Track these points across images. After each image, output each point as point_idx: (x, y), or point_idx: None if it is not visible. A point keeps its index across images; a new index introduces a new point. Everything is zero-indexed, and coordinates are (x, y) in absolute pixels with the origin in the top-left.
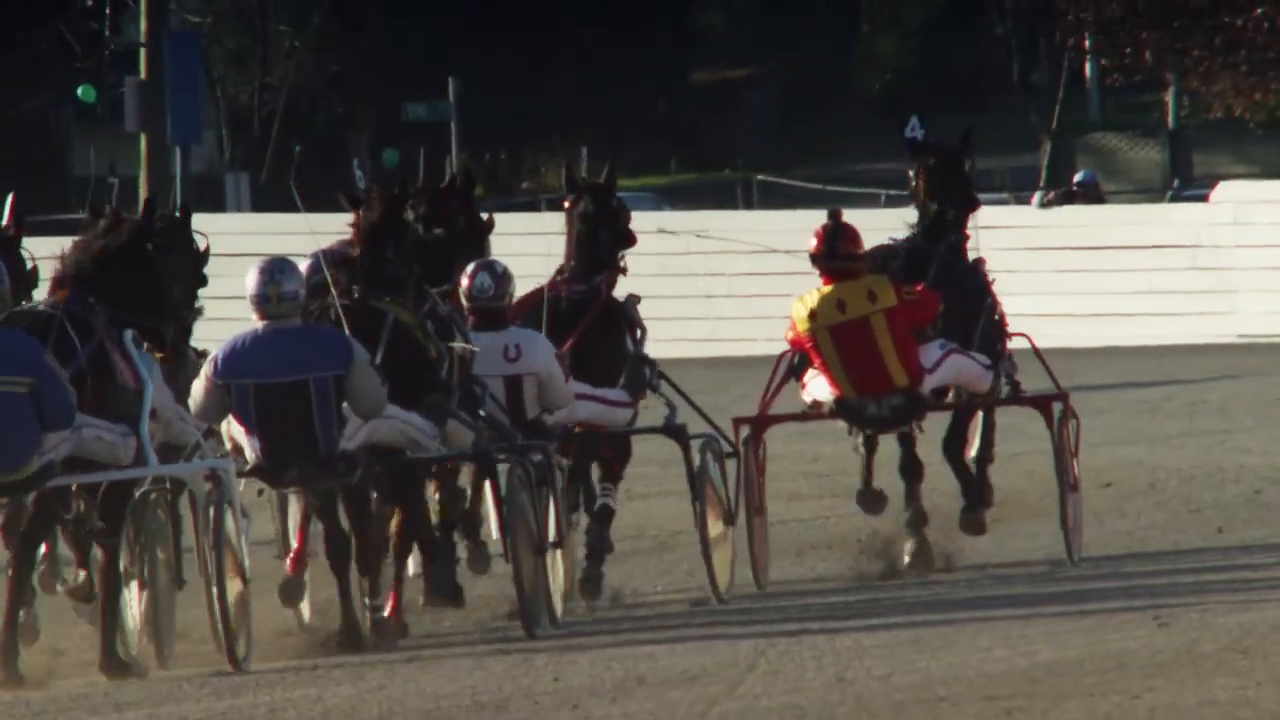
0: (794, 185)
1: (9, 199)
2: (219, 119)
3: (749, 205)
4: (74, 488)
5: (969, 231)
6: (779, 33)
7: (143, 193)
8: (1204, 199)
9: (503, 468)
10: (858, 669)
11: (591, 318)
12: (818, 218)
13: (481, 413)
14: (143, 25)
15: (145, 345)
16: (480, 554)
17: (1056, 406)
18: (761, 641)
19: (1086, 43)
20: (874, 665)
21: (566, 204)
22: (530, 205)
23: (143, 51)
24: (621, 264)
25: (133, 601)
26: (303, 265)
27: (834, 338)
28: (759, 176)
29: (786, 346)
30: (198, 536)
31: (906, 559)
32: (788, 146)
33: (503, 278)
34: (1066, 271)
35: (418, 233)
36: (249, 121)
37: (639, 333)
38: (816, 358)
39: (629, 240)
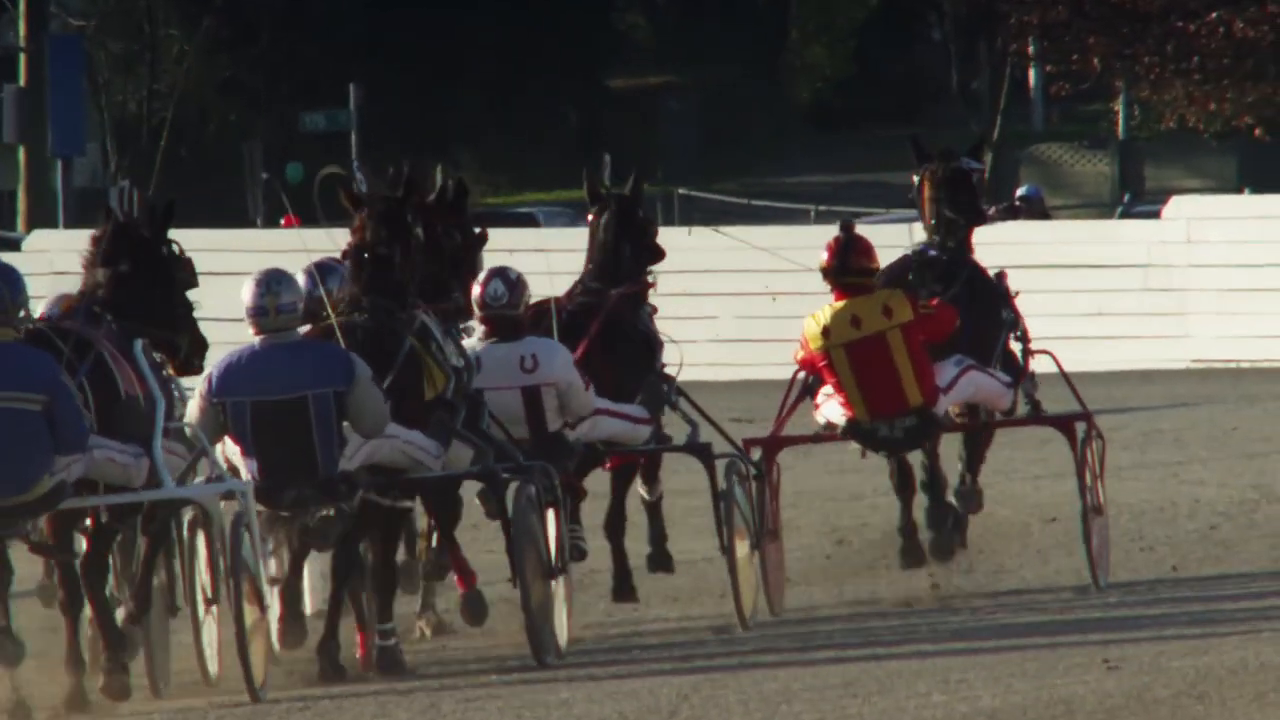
0: (718, 200)
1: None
2: (104, 129)
3: (669, 221)
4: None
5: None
6: (703, 37)
7: (21, 209)
8: (1156, 215)
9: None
10: (785, 715)
11: (596, 330)
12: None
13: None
14: (21, 29)
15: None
16: (409, 570)
17: (1080, 426)
18: (686, 684)
19: (1030, 48)
20: (803, 711)
21: (590, 215)
22: None
23: (22, 57)
24: (649, 279)
25: (209, 623)
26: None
27: (849, 355)
28: (681, 190)
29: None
30: (210, 561)
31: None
32: (711, 158)
33: (517, 285)
34: None
35: (419, 239)
36: (136, 131)
37: (657, 347)
38: (830, 377)
39: (657, 254)
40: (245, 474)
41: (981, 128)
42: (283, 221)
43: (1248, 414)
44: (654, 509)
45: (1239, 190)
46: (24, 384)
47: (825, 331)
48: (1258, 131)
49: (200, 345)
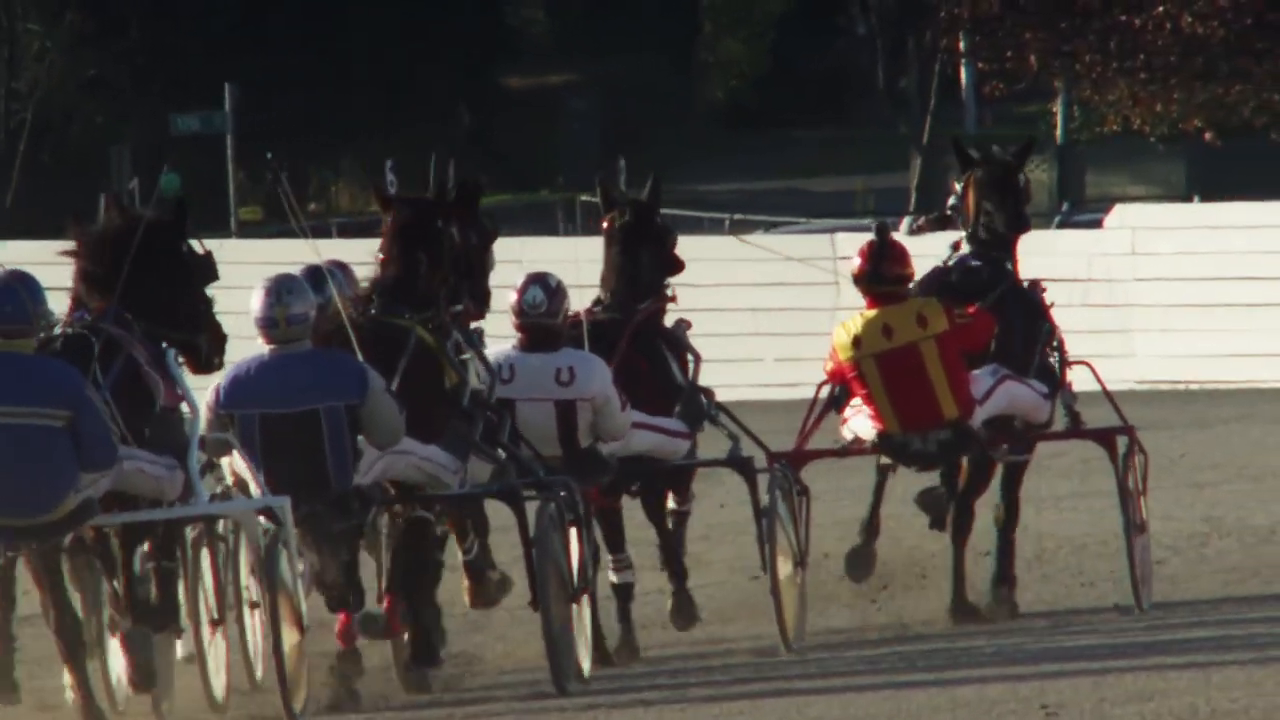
0: None
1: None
2: None
3: (570, 230)
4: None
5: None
6: (607, 31)
7: None
8: (1097, 225)
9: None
10: None
11: (626, 345)
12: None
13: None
14: None
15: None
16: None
17: (1121, 440)
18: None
19: (961, 44)
20: None
21: (604, 223)
22: (320, 230)
23: None
24: (669, 292)
25: (253, 629)
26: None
27: (880, 366)
28: (583, 197)
29: (823, 377)
30: (235, 578)
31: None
32: (617, 163)
33: (556, 292)
34: None
35: (454, 241)
36: None
37: (692, 360)
38: (860, 388)
39: (676, 266)
40: (254, 489)
41: (910, 129)
42: None
43: (1197, 439)
44: (680, 519)
45: (1187, 198)
46: (46, 399)
47: (856, 341)
48: (1207, 135)
49: (220, 342)
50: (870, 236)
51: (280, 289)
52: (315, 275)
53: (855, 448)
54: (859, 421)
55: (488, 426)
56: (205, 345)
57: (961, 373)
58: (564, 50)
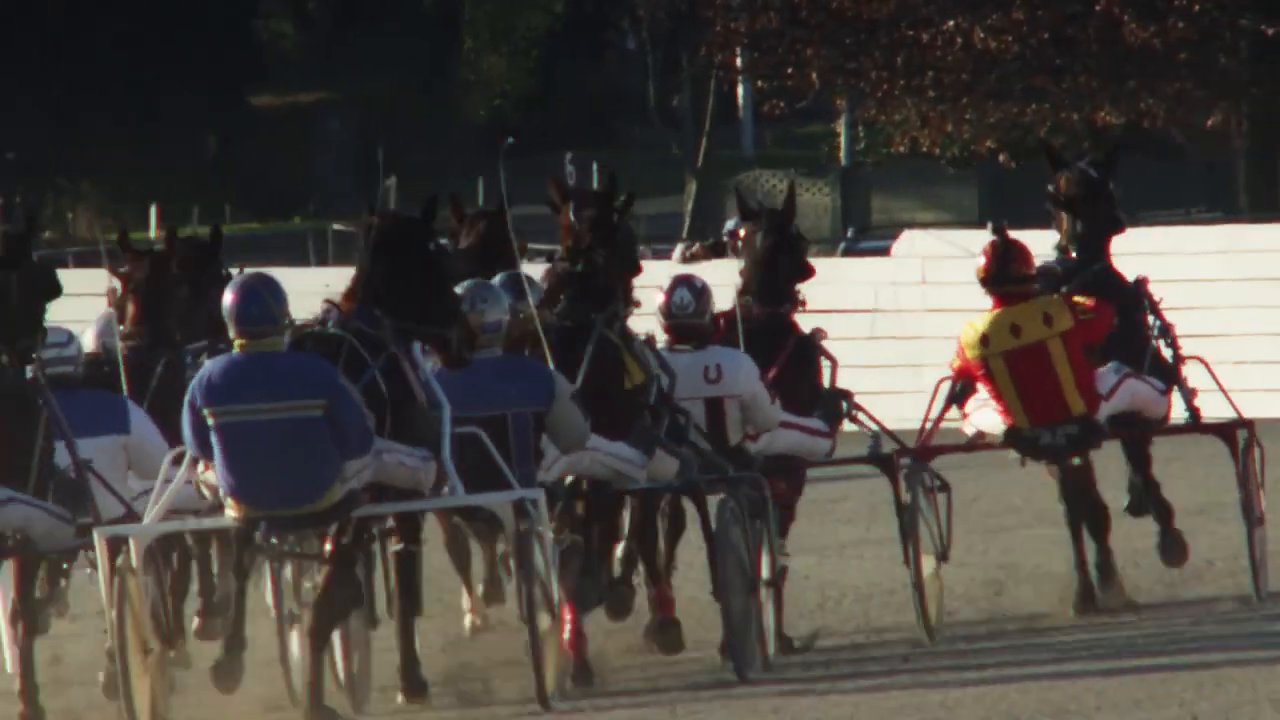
0: None
1: (154, 210)
2: None
3: (323, 261)
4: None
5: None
6: (361, 48)
7: None
8: (885, 252)
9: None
10: None
11: (787, 351)
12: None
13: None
14: None
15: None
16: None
17: (1241, 434)
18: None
19: (738, 60)
20: None
21: (742, 233)
22: (56, 260)
23: None
24: (800, 297)
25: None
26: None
27: (1009, 364)
28: (335, 226)
29: (948, 373)
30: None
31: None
32: (372, 188)
33: (702, 293)
34: None
35: (630, 237)
36: None
37: (831, 365)
38: (989, 385)
39: (808, 272)
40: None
41: (683, 151)
42: None
43: (992, 481)
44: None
45: (980, 224)
46: (302, 391)
47: (984, 339)
48: (1002, 157)
49: (470, 337)
50: (992, 238)
51: (475, 297)
52: (515, 282)
53: (980, 442)
54: (983, 416)
55: (673, 423)
56: (455, 339)
57: (1086, 368)
58: (316, 67)
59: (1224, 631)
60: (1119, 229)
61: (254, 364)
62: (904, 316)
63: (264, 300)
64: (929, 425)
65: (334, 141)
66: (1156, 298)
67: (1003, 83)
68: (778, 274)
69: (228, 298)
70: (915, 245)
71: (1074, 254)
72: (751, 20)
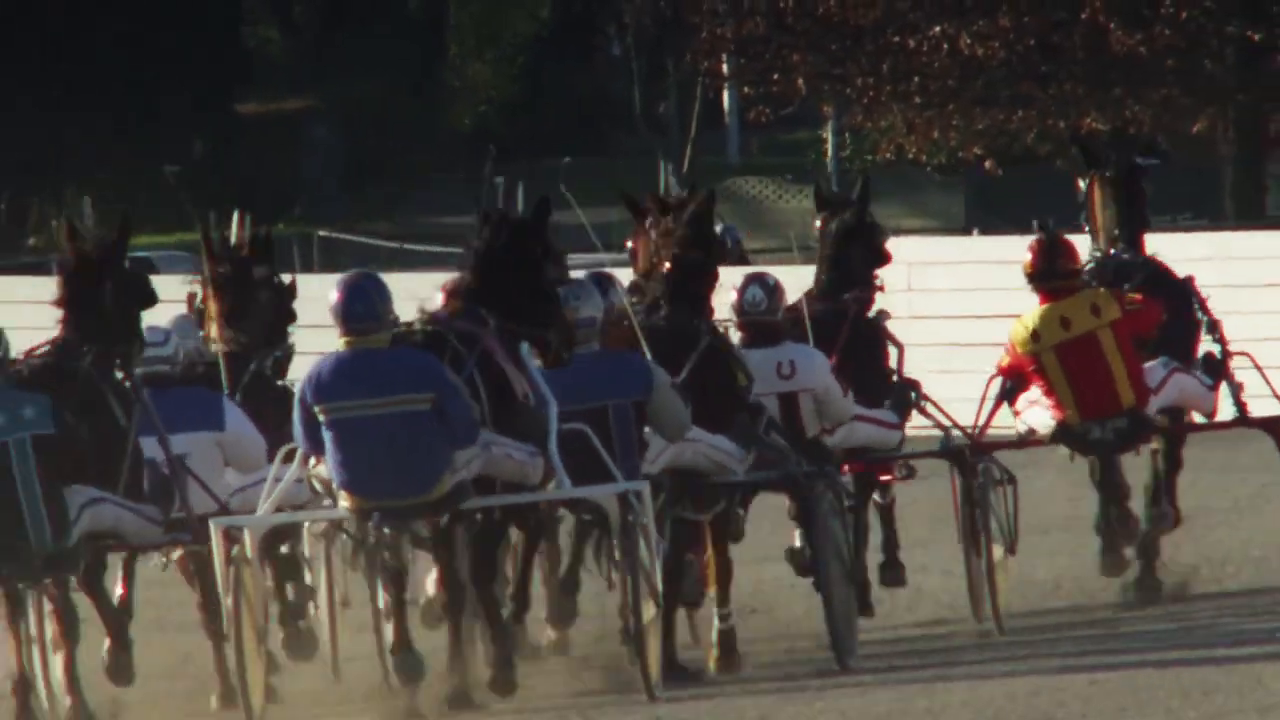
0: (365, 243)
1: (235, 217)
2: None
3: (309, 267)
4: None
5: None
6: (348, 54)
7: None
8: None
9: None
10: None
11: (844, 336)
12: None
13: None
14: None
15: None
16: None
17: None
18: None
19: (724, 66)
20: None
21: (819, 222)
22: (39, 267)
23: None
24: (878, 282)
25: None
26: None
27: (1060, 357)
28: (321, 232)
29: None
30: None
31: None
32: (358, 194)
33: (775, 291)
34: None
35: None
36: None
37: (899, 351)
38: (1041, 380)
39: (885, 259)
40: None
41: (670, 158)
42: None
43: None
44: (887, 513)
45: (966, 231)
46: (410, 385)
47: (1034, 335)
48: (988, 164)
49: (569, 337)
50: (1039, 234)
51: (569, 294)
52: (601, 280)
53: (1033, 440)
54: (1034, 414)
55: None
56: (555, 340)
57: (1137, 362)
58: (303, 74)
59: (1211, 639)
60: (1147, 226)
61: (361, 361)
62: (890, 324)
63: (369, 298)
64: (980, 422)
65: (320, 146)
66: (1204, 295)
67: (989, 89)
68: (853, 264)
69: (333, 296)
70: (901, 252)
71: (1114, 251)
72: (738, 26)
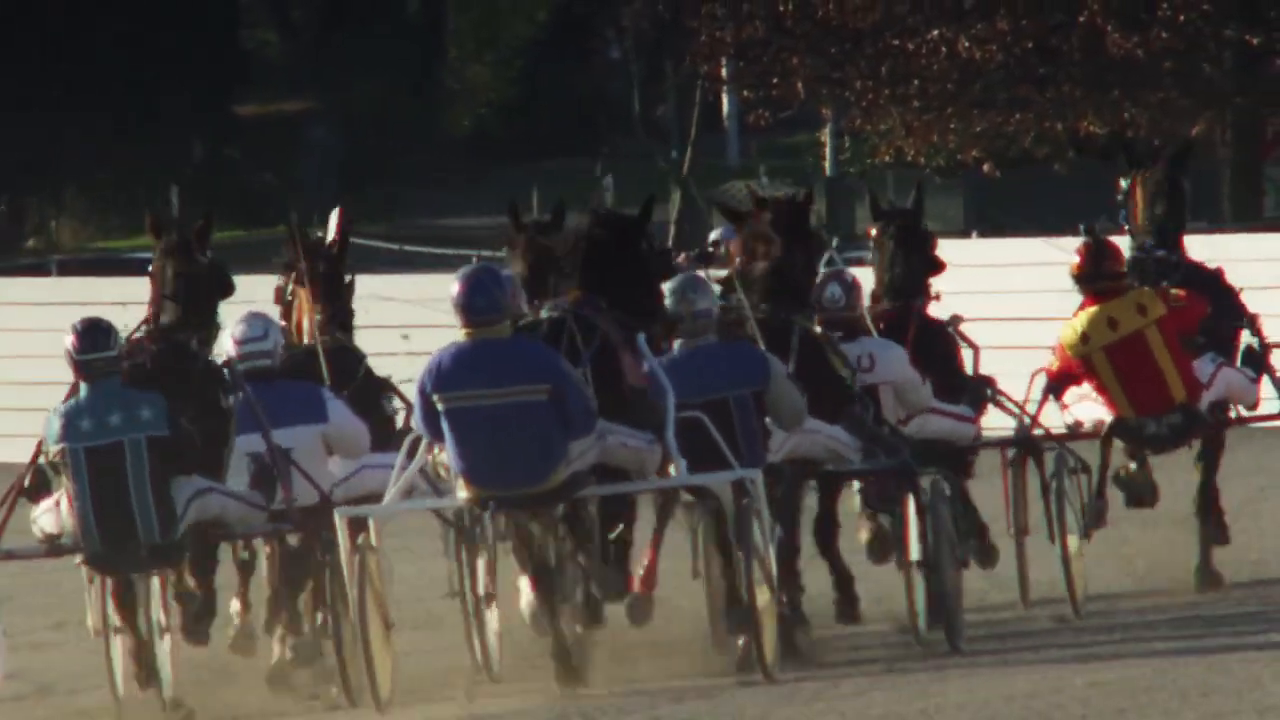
0: (365, 245)
1: (335, 213)
2: None
3: None
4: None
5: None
6: (347, 56)
7: None
8: (861, 263)
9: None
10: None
11: (911, 336)
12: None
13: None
14: None
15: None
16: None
17: None
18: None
19: (723, 69)
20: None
21: (873, 231)
22: (39, 268)
23: None
24: (932, 291)
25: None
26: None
27: (1110, 357)
28: (319, 233)
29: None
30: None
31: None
32: (357, 196)
33: (853, 288)
34: None
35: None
36: None
37: (973, 352)
38: (1092, 381)
39: (939, 266)
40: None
41: (669, 161)
42: None
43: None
44: (965, 500)
45: (966, 234)
46: (528, 376)
47: (1084, 337)
48: (987, 166)
49: (670, 331)
50: (1085, 238)
51: (685, 287)
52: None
53: (1081, 432)
54: (1083, 408)
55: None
56: (658, 332)
57: (1185, 357)
58: (302, 76)
59: (1209, 640)
60: (1184, 227)
61: (480, 351)
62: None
63: (490, 290)
64: (1028, 419)
65: (318, 148)
66: (1236, 288)
67: (987, 92)
68: (910, 270)
69: (455, 288)
70: None
71: (1148, 245)
72: (737, 30)
